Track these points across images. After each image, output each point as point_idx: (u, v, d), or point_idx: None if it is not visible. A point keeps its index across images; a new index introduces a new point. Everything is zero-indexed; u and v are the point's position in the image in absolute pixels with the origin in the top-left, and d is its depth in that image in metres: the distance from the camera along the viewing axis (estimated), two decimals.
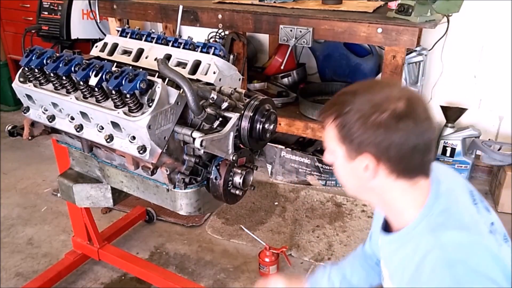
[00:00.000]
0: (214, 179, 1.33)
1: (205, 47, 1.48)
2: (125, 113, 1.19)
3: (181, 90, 1.20)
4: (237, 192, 1.38)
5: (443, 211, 1.02)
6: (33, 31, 3.38)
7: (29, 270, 2.41)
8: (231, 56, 2.96)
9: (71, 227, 2.42)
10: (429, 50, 3.07)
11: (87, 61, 1.25)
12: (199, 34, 2.78)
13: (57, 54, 1.31)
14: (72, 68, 1.25)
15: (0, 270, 2.41)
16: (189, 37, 1.53)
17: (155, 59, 1.38)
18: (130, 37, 1.59)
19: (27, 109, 1.46)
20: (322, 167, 3.12)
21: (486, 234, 1.02)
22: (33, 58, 1.31)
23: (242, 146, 1.36)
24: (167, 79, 1.22)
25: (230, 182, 1.35)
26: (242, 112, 1.30)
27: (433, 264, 0.96)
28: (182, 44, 1.51)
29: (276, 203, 2.91)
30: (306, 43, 2.51)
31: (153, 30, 1.58)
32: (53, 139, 1.73)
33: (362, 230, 2.67)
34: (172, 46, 1.52)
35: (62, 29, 3.32)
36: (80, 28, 3.38)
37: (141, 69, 1.23)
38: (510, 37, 2.95)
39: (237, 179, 1.35)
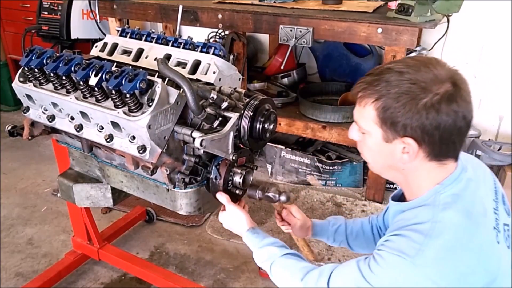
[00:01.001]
0: (214, 179, 1.33)
1: (205, 47, 1.48)
2: (125, 113, 1.19)
3: (181, 90, 1.19)
4: (237, 191, 1.38)
5: (455, 194, 1.02)
6: (33, 31, 3.38)
7: (29, 270, 2.41)
8: (231, 56, 2.99)
9: (71, 227, 2.42)
10: (429, 50, 3.07)
11: (87, 61, 1.25)
12: (199, 34, 2.78)
13: (57, 54, 1.30)
14: (72, 68, 1.25)
15: (0, 270, 2.41)
16: (189, 37, 1.53)
17: (155, 59, 1.38)
18: (130, 37, 1.58)
19: (27, 109, 1.46)
20: (322, 167, 3.12)
21: (488, 228, 1.01)
22: (33, 58, 1.31)
23: (242, 146, 1.36)
24: (167, 79, 1.22)
25: (230, 182, 1.35)
26: (242, 112, 1.30)
27: (415, 231, 0.97)
28: (182, 44, 1.51)
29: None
30: (306, 43, 2.51)
31: (153, 30, 1.58)
32: (53, 139, 1.73)
33: None
34: (172, 46, 1.52)
35: (62, 29, 3.32)
36: (80, 28, 3.38)
37: (141, 69, 1.22)
38: (510, 37, 2.95)
39: (237, 179, 1.35)
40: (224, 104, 1.27)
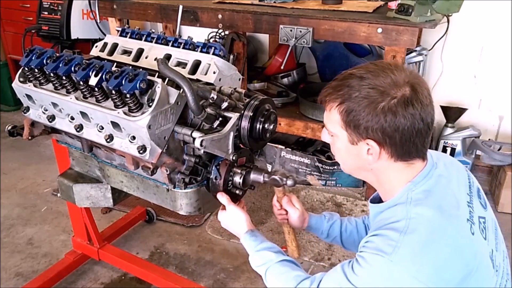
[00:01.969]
0: (214, 179, 1.33)
1: (205, 47, 1.48)
2: (125, 113, 1.19)
3: (181, 90, 1.20)
4: (237, 192, 1.38)
5: (425, 191, 1.06)
6: (33, 31, 3.38)
7: (29, 270, 2.41)
8: (231, 56, 2.99)
9: (71, 227, 2.42)
10: (429, 50, 3.08)
11: (87, 61, 1.25)
12: (199, 34, 2.78)
13: (57, 54, 1.31)
14: (72, 68, 1.25)
15: (0, 270, 2.41)
16: (189, 37, 1.53)
17: (155, 59, 1.38)
18: (130, 37, 1.58)
19: (27, 109, 1.46)
20: (322, 167, 3.12)
21: (461, 220, 1.05)
22: (33, 58, 1.31)
23: (242, 146, 1.36)
24: (167, 79, 1.22)
25: (230, 182, 1.35)
26: (242, 112, 1.30)
27: (391, 229, 1.01)
28: (182, 44, 1.51)
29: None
30: (306, 43, 2.51)
31: (153, 30, 1.58)
32: (53, 139, 1.73)
33: None
34: (172, 46, 1.52)
35: (62, 29, 3.32)
36: (80, 28, 3.38)
37: (141, 69, 1.22)
38: (510, 37, 2.95)
39: (237, 179, 1.35)
40: (224, 104, 1.27)
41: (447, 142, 3.14)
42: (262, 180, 1.34)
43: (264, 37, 3.81)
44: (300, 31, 2.49)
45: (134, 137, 1.23)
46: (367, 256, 1.01)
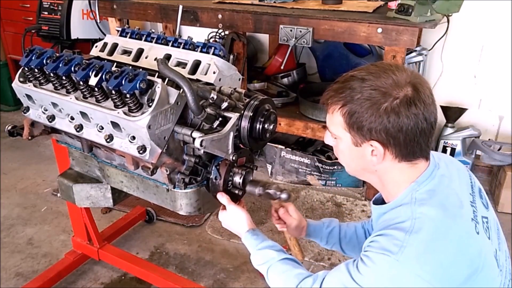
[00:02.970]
0: (214, 179, 1.33)
1: (205, 47, 1.48)
2: (125, 113, 1.19)
3: (181, 90, 1.19)
4: (237, 192, 1.38)
5: (430, 190, 1.07)
6: (33, 31, 3.38)
7: (29, 270, 2.41)
8: (231, 56, 2.99)
9: (71, 227, 2.42)
10: (429, 50, 3.08)
11: (87, 61, 1.25)
12: (199, 34, 2.78)
13: (57, 54, 1.30)
14: (72, 68, 1.25)
15: (0, 270, 2.41)
16: (189, 37, 1.53)
17: (155, 59, 1.38)
18: (130, 37, 1.58)
19: (27, 109, 1.46)
20: (322, 167, 3.12)
21: (465, 219, 1.05)
22: (33, 58, 1.31)
23: (242, 146, 1.36)
24: (167, 79, 1.22)
25: (230, 182, 1.35)
26: (242, 112, 1.30)
27: (397, 229, 1.01)
28: (182, 44, 1.51)
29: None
30: (306, 43, 2.51)
31: (153, 30, 1.58)
32: (53, 139, 1.73)
33: None
34: (172, 46, 1.52)
35: (62, 29, 3.32)
36: (80, 28, 3.39)
37: (141, 69, 1.22)
38: (510, 37, 2.95)
39: (237, 179, 1.35)
40: (224, 104, 1.27)
41: (447, 142, 3.14)
42: (257, 193, 1.34)
43: (264, 37, 3.81)
44: (300, 31, 2.49)
45: (134, 137, 1.23)
46: (372, 255, 1.01)
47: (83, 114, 1.29)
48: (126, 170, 1.46)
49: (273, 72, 3.53)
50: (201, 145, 1.18)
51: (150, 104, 1.17)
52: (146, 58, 1.52)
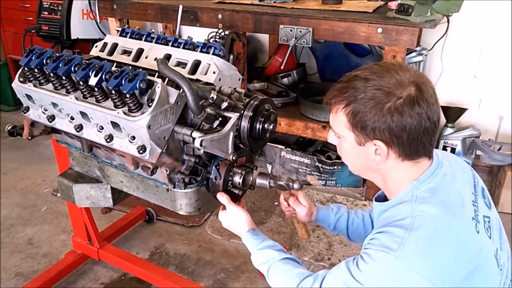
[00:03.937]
0: (214, 179, 1.33)
1: (205, 47, 1.48)
2: (125, 113, 1.19)
3: (181, 90, 1.19)
4: (237, 192, 1.38)
5: (431, 189, 1.07)
6: (33, 31, 3.38)
7: (29, 270, 2.41)
8: (231, 56, 2.99)
9: (71, 227, 2.42)
10: (429, 50, 3.08)
11: (87, 61, 1.25)
12: (199, 34, 2.78)
13: (57, 54, 1.30)
14: (72, 68, 1.25)
15: (0, 270, 2.41)
16: (189, 37, 1.53)
17: (155, 59, 1.38)
18: (130, 37, 1.58)
19: (27, 109, 1.46)
20: (322, 167, 3.12)
21: (466, 218, 1.05)
22: (33, 58, 1.31)
23: (242, 146, 1.36)
24: (167, 79, 1.22)
25: (229, 182, 1.35)
26: (242, 112, 1.30)
27: (397, 226, 1.02)
28: (182, 44, 1.51)
29: (276, 203, 2.91)
30: (306, 43, 2.51)
31: (153, 30, 1.58)
32: (53, 139, 1.73)
33: None
34: (172, 46, 1.52)
35: (62, 29, 3.32)
36: (80, 28, 3.39)
37: (141, 69, 1.22)
38: (510, 37, 2.95)
39: (237, 179, 1.35)
40: (224, 104, 1.27)
41: (447, 142, 3.13)
42: (268, 186, 1.35)
43: (264, 37, 3.81)
44: (300, 31, 2.49)
45: (134, 137, 1.23)
46: (372, 252, 1.01)
47: (83, 114, 1.29)
48: (126, 170, 1.46)
49: (273, 72, 3.53)
50: (201, 145, 1.18)
51: (150, 104, 1.17)
52: (146, 58, 1.52)
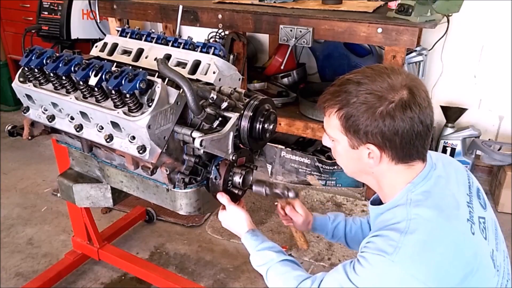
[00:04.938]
0: (214, 179, 1.33)
1: (205, 47, 1.48)
2: (124, 113, 1.19)
3: (181, 90, 1.19)
4: (237, 192, 1.38)
5: (425, 192, 1.07)
6: (33, 31, 3.38)
7: (29, 270, 2.41)
8: (231, 56, 2.99)
9: (71, 227, 2.42)
10: (429, 50, 3.07)
11: (86, 61, 1.25)
12: (199, 34, 2.78)
13: (57, 54, 1.31)
14: (72, 68, 1.25)
15: (0, 270, 2.41)
16: (189, 37, 1.53)
17: (155, 59, 1.38)
18: (130, 37, 1.58)
19: (27, 109, 1.46)
20: (322, 167, 3.12)
21: (461, 220, 1.05)
22: (33, 58, 1.31)
23: (242, 146, 1.36)
24: (167, 79, 1.22)
25: (229, 182, 1.35)
26: (242, 112, 1.30)
27: (392, 229, 1.02)
28: (182, 44, 1.51)
29: (276, 203, 2.91)
30: (306, 43, 2.51)
31: (153, 30, 1.58)
32: (53, 139, 1.72)
33: None
34: (172, 46, 1.52)
35: (62, 29, 3.32)
36: (80, 28, 3.39)
37: (141, 69, 1.22)
38: (510, 37, 2.95)
39: (237, 179, 1.35)
40: (224, 104, 1.27)
41: (447, 142, 3.14)
42: (264, 193, 1.36)
43: (264, 37, 3.81)
44: (300, 31, 2.49)
45: (134, 137, 1.23)
46: (368, 256, 1.01)
47: (83, 114, 1.29)
48: (126, 170, 1.46)
49: (273, 72, 3.52)
50: (201, 145, 1.18)
51: (150, 104, 1.17)
52: (146, 58, 1.52)
